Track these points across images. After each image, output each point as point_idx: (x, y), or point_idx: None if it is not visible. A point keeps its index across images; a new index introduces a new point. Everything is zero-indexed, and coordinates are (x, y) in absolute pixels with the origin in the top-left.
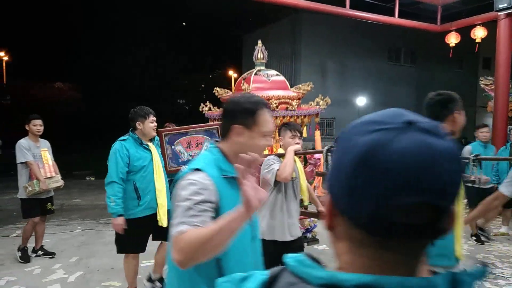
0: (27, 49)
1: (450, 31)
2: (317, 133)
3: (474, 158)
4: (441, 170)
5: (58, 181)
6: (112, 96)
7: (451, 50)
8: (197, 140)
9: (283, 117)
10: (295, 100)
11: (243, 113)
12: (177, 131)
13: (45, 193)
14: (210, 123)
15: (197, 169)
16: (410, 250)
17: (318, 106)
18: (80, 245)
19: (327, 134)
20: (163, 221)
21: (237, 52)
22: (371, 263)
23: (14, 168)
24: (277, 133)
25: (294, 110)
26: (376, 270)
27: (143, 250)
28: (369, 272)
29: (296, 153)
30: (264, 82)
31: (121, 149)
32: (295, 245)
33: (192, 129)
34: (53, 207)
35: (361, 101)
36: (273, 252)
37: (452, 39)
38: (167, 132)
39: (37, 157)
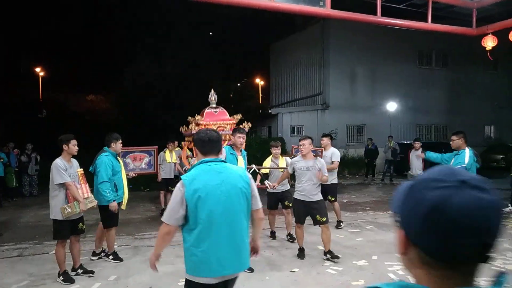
0: (60, 64)
1: (486, 34)
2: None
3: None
4: (489, 218)
5: (92, 201)
6: (146, 106)
7: (488, 53)
8: (140, 156)
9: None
10: (229, 125)
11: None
12: (128, 149)
13: (78, 213)
14: (148, 147)
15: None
16: (465, 269)
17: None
18: (117, 264)
19: (357, 141)
20: (125, 205)
21: (264, 60)
22: (438, 279)
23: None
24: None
25: (228, 130)
26: (444, 284)
27: (117, 224)
28: (437, 285)
29: None
30: (212, 114)
31: (107, 161)
32: None
33: (137, 149)
34: (84, 227)
35: (392, 106)
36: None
37: (489, 42)
38: (122, 150)
39: (74, 177)
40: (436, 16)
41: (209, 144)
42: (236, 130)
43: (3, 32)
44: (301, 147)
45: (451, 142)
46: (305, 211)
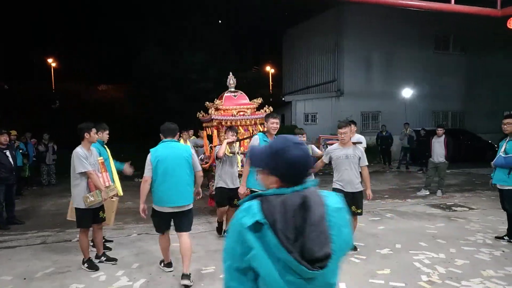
0: (71, 54)
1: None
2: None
3: None
4: (304, 160)
5: (113, 189)
6: (160, 95)
7: None
8: None
9: (241, 120)
10: (249, 110)
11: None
12: None
13: (100, 202)
14: None
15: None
16: (297, 184)
17: (263, 112)
18: (139, 251)
19: (372, 128)
20: (120, 191)
21: (274, 48)
22: (283, 188)
23: (68, 171)
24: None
25: (248, 115)
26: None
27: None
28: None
29: (228, 142)
30: (232, 99)
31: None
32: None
33: None
34: (104, 215)
35: (408, 93)
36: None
37: None
38: None
39: (94, 165)
40: None
41: (168, 131)
42: (269, 115)
43: (15, 24)
44: (342, 135)
45: (504, 126)
46: (346, 202)
